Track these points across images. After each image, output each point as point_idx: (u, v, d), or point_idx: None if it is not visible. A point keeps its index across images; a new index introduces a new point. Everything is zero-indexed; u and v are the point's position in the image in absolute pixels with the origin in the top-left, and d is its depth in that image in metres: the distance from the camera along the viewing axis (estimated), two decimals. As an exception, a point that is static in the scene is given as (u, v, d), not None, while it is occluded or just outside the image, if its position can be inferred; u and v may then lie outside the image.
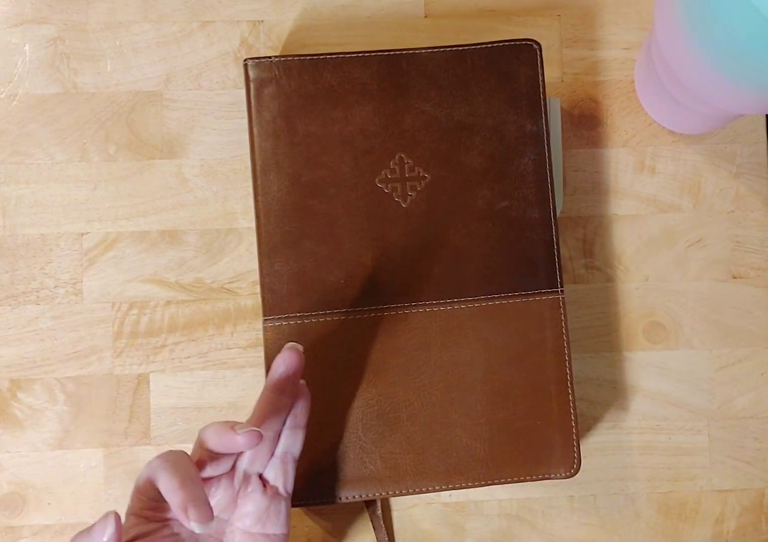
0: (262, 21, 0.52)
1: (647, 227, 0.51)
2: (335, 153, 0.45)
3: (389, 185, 0.45)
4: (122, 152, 0.50)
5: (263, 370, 0.45)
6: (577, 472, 0.44)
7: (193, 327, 0.50)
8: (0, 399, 0.49)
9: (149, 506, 0.37)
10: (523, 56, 0.46)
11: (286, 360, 0.40)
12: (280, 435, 0.40)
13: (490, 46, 0.46)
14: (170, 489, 0.34)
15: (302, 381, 0.41)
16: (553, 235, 0.46)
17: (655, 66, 0.46)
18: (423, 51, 0.46)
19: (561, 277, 0.46)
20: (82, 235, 0.50)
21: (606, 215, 0.51)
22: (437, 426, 0.44)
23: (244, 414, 0.49)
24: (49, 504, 0.48)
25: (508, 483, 0.44)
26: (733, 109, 0.43)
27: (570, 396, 0.45)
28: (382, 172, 0.45)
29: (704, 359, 0.51)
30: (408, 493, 0.44)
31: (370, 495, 0.44)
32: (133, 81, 0.51)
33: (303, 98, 0.45)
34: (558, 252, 0.46)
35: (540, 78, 0.46)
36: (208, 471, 0.38)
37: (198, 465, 0.37)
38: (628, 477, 0.50)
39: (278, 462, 0.40)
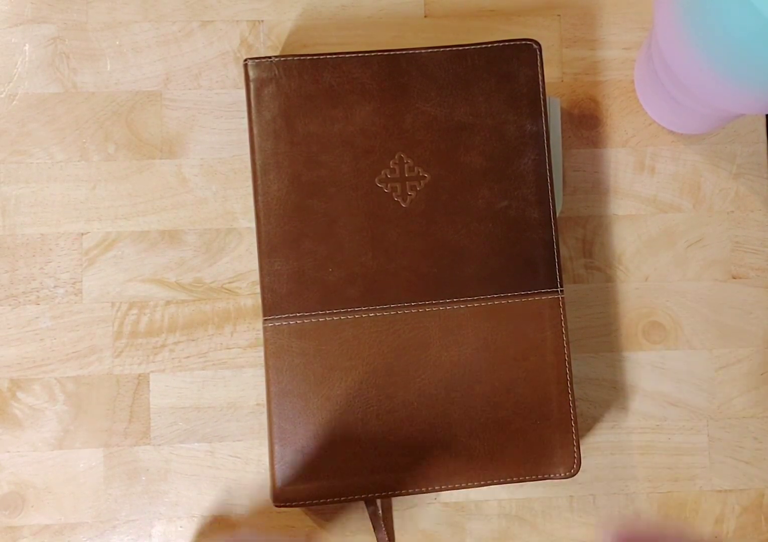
0: (262, 21, 0.52)
1: (647, 227, 0.51)
2: (335, 153, 0.45)
3: (389, 185, 0.45)
4: (122, 152, 0.50)
5: (263, 370, 0.45)
6: (577, 472, 0.44)
7: (193, 327, 0.50)
8: (0, 399, 0.49)
9: None
10: (523, 56, 0.46)
11: None
12: None
13: (490, 46, 0.46)
14: None
15: None
16: (552, 235, 0.46)
17: (655, 66, 0.46)
18: (423, 51, 0.46)
19: (561, 277, 0.46)
20: (82, 234, 0.50)
21: (606, 215, 0.51)
22: (437, 426, 0.44)
23: (243, 414, 0.49)
24: (49, 504, 0.48)
25: (508, 483, 0.44)
26: (733, 109, 0.43)
27: (570, 396, 0.45)
28: (382, 172, 0.45)
29: (704, 359, 0.51)
30: (408, 493, 0.44)
31: (370, 495, 0.44)
32: (133, 80, 0.51)
33: (303, 98, 0.45)
34: (558, 252, 0.46)
35: (540, 78, 0.46)
36: None
37: None
38: (628, 477, 0.50)
39: None
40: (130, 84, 0.51)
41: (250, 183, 0.50)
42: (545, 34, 0.52)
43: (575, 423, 0.45)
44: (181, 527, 0.49)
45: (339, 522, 0.49)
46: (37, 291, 0.49)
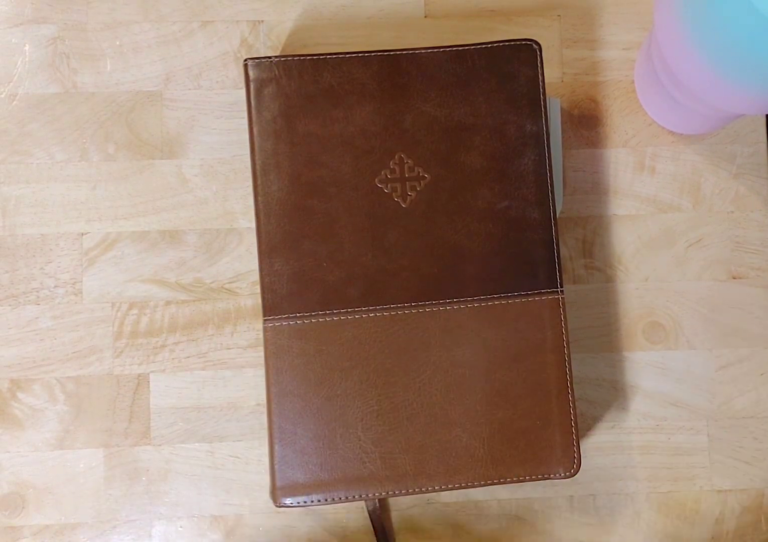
0: (262, 21, 0.52)
1: (647, 227, 0.51)
2: (335, 153, 0.45)
3: (389, 185, 0.45)
4: (122, 152, 0.50)
5: (263, 370, 0.45)
6: (577, 472, 0.44)
7: (193, 327, 0.50)
8: (0, 399, 0.49)
9: None
10: (523, 56, 0.46)
11: None
12: None
13: (490, 46, 0.46)
14: None
15: None
16: (552, 235, 0.46)
17: (655, 66, 0.46)
18: (423, 51, 0.46)
19: (561, 277, 0.46)
20: (82, 234, 0.50)
21: (606, 215, 0.51)
22: (437, 426, 0.44)
23: (243, 414, 0.49)
24: (49, 504, 0.48)
25: (508, 483, 0.44)
26: (733, 109, 0.43)
27: (570, 396, 0.45)
28: (382, 172, 0.45)
29: (704, 359, 0.51)
30: (408, 493, 0.44)
31: (370, 495, 0.44)
32: (133, 81, 0.51)
33: (303, 98, 0.45)
34: (558, 252, 0.46)
35: (540, 78, 0.46)
36: None
37: None
38: (628, 477, 0.50)
39: None
40: (130, 84, 0.51)
41: (250, 183, 0.50)
42: (545, 34, 0.52)
43: (575, 423, 0.45)
44: (181, 527, 0.49)
45: (339, 522, 0.49)
46: (37, 292, 0.49)
